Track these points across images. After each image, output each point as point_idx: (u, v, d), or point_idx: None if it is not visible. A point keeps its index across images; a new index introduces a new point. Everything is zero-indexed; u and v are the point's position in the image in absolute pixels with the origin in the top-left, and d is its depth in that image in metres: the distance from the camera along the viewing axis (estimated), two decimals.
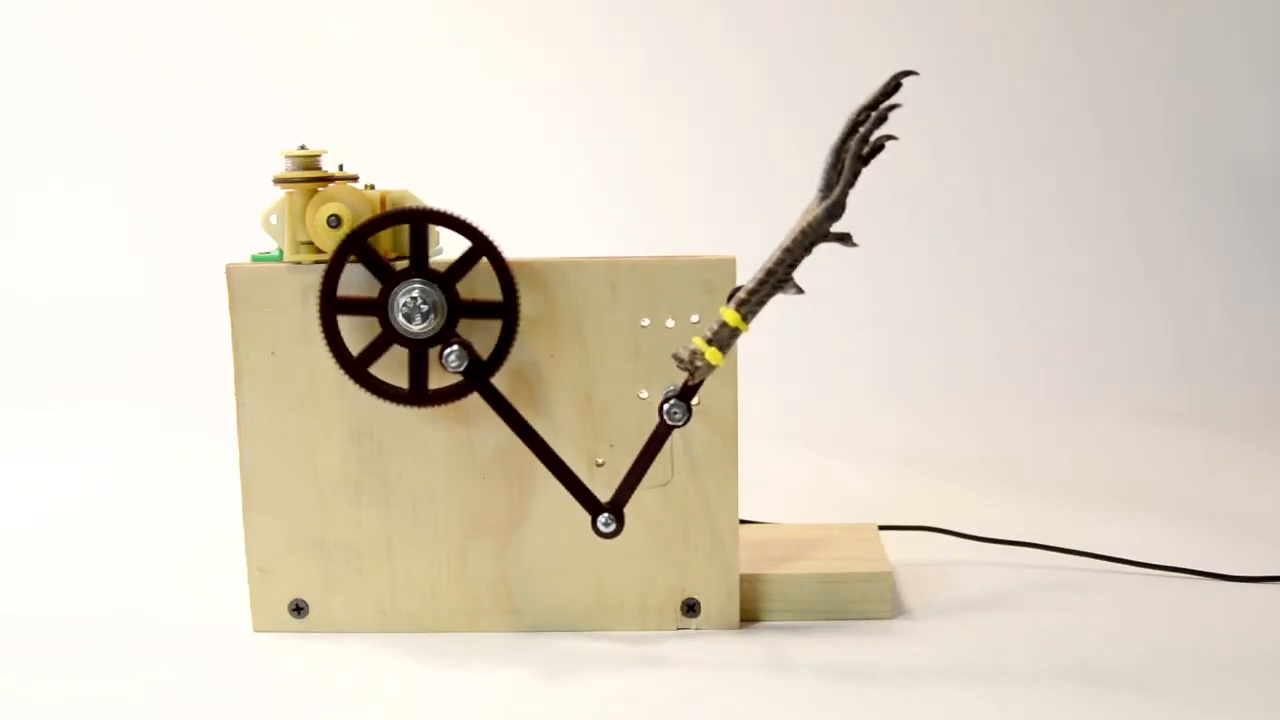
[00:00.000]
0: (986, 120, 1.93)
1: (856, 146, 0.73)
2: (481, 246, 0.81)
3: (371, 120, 1.88)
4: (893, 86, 0.73)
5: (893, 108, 0.73)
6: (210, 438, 1.42)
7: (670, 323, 0.84)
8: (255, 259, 0.86)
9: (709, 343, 0.77)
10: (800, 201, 0.78)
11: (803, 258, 0.76)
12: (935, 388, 1.72)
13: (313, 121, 1.84)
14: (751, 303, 0.76)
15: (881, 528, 1.06)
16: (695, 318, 0.83)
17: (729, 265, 0.83)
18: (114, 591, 0.98)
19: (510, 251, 0.81)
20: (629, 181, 1.92)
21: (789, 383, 1.65)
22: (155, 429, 1.57)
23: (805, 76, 1.93)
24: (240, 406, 0.86)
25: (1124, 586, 0.95)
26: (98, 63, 1.90)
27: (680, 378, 0.83)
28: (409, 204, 0.86)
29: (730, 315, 0.77)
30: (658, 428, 0.80)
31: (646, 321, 0.84)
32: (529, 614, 0.87)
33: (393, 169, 1.15)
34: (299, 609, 0.87)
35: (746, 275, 0.78)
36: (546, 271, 0.83)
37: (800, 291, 0.76)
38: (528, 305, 0.83)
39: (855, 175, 0.74)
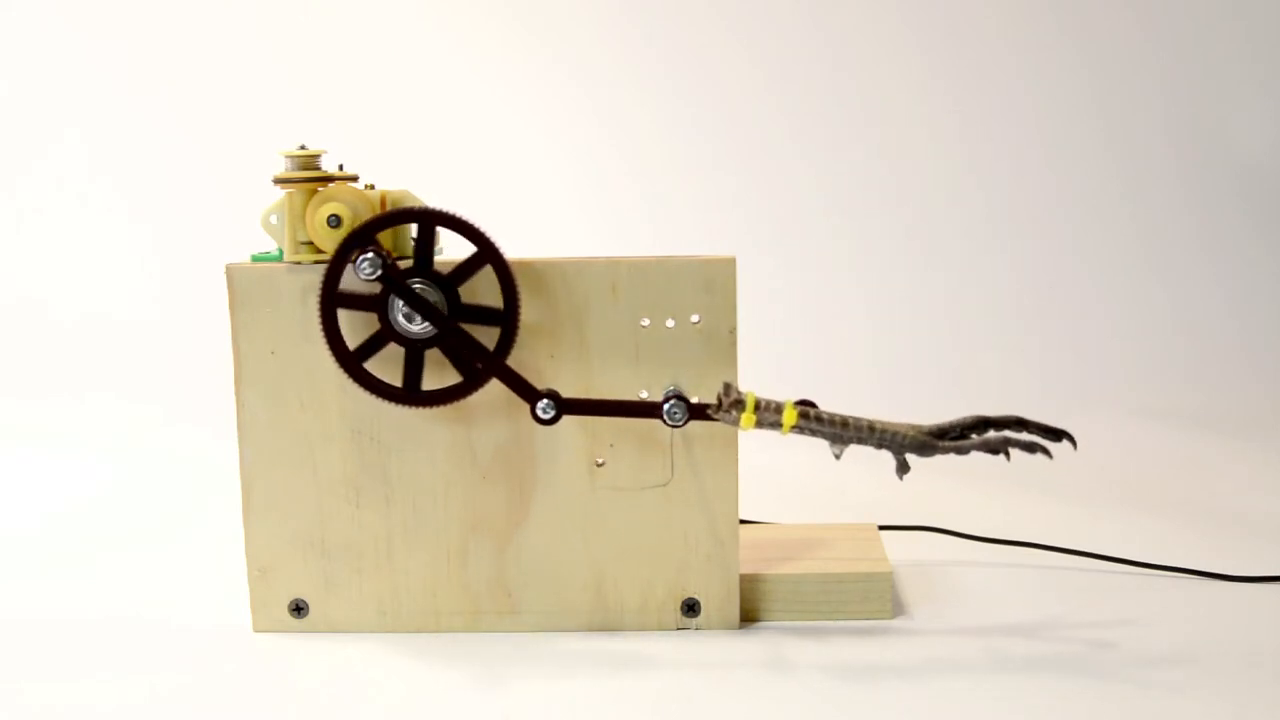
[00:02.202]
0: (988, 119, 1.93)
1: (996, 440, 0.78)
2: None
3: (371, 120, 1.88)
4: (1059, 436, 0.80)
5: (1045, 451, 0.79)
6: (211, 438, 1.42)
7: (670, 323, 0.84)
8: (255, 259, 0.86)
9: (756, 407, 0.78)
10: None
11: (869, 444, 0.79)
12: (936, 387, 1.71)
13: (313, 121, 1.84)
14: (808, 426, 0.79)
15: (881, 528, 1.06)
16: (695, 318, 0.83)
17: (729, 265, 0.83)
18: (114, 592, 0.98)
19: (511, 251, 0.81)
20: (629, 181, 1.92)
21: (789, 382, 1.64)
22: (156, 429, 1.57)
23: (806, 76, 1.93)
24: (240, 406, 0.86)
25: (1124, 586, 0.95)
26: (98, 62, 1.90)
27: (681, 379, 0.83)
28: (409, 204, 0.85)
29: (789, 414, 0.78)
30: (646, 405, 0.80)
31: (646, 321, 0.84)
32: (529, 614, 0.87)
33: (393, 169, 1.15)
34: (299, 609, 0.87)
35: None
36: (547, 271, 0.83)
37: (838, 457, 0.80)
38: (528, 307, 0.83)
39: (967, 452, 0.79)
